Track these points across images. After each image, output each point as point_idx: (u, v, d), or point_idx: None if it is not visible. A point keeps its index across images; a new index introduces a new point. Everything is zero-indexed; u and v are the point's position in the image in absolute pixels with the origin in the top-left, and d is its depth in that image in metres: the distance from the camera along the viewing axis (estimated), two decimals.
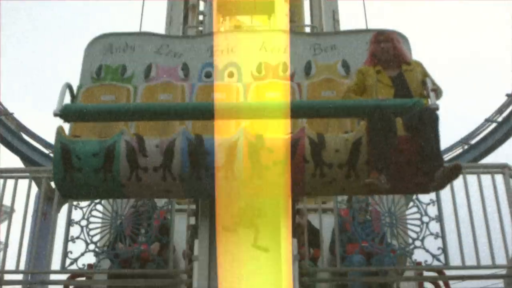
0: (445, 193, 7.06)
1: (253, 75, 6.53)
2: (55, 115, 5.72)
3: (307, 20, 13.73)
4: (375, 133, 5.45)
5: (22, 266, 7.17)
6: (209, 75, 6.53)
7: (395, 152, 5.45)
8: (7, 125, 16.11)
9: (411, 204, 7.23)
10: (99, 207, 7.21)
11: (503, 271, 7.06)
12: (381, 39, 6.23)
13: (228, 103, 5.85)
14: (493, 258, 6.87)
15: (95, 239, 7.15)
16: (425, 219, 7.03)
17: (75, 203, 7.15)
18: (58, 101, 5.85)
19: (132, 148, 5.57)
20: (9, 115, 16.49)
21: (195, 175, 5.56)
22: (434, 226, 7.03)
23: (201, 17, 13.58)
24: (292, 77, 6.49)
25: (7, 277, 6.97)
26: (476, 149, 16.12)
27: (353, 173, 5.54)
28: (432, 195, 7.02)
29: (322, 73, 6.48)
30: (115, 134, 5.66)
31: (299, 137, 5.58)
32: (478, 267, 6.83)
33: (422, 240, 7.01)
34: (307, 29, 13.71)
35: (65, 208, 7.35)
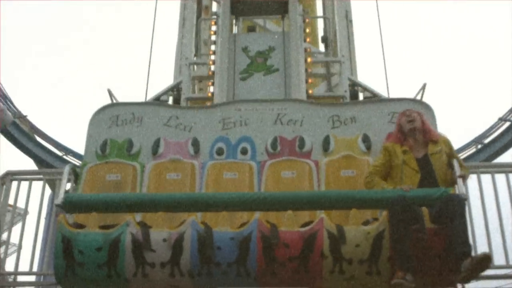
0: None
1: (268, 151, 6.16)
2: (57, 205, 5.46)
3: (320, 26, 13.42)
4: (397, 228, 5.06)
5: (35, 268, 7.08)
6: (220, 152, 6.15)
7: (421, 247, 5.07)
8: (21, 127, 15.93)
9: None
10: None
11: None
12: (408, 112, 5.87)
13: (240, 195, 5.45)
14: (507, 258, 6.61)
15: None
16: None
17: None
18: (60, 189, 5.59)
19: (138, 242, 5.23)
20: (22, 118, 16.35)
21: (205, 272, 5.22)
22: None
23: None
24: (309, 154, 6.09)
25: (20, 278, 6.86)
26: (489, 149, 15.77)
27: (374, 270, 5.17)
28: None
29: (342, 149, 6.08)
30: (119, 226, 5.32)
31: (317, 230, 5.20)
32: (492, 267, 6.38)
33: None
34: (320, 26, 13.32)
35: None
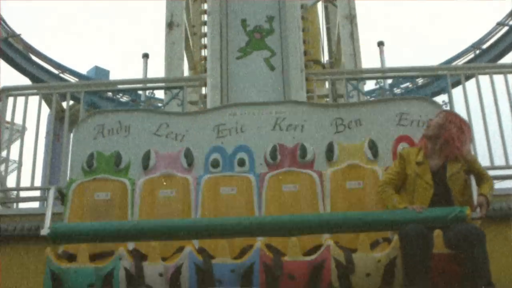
0: (457, 94, 7.06)
1: (267, 162, 5.69)
2: (43, 236, 5.04)
3: None
4: (410, 258, 4.68)
5: (37, 183, 7.24)
6: (216, 164, 5.68)
7: (434, 275, 4.71)
8: (15, 46, 15.98)
9: None
10: None
11: None
12: (431, 120, 5.36)
13: (240, 221, 5.04)
14: (506, 158, 6.67)
15: None
16: None
17: None
18: (46, 215, 5.17)
19: (133, 278, 4.88)
20: (16, 37, 16.30)
21: None
22: None
23: None
24: (312, 163, 5.65)
25: (22, 194, 7.02)
26: (488, 54, 16.05)
27: None
28: (444, 97, 7.04)
29: (346, 158, 5.60)
30: (112, 259, 4.96)
31: (324, 259, 4.85)
32: (492, 167, 6.51)
33: None
34: None
35: None
